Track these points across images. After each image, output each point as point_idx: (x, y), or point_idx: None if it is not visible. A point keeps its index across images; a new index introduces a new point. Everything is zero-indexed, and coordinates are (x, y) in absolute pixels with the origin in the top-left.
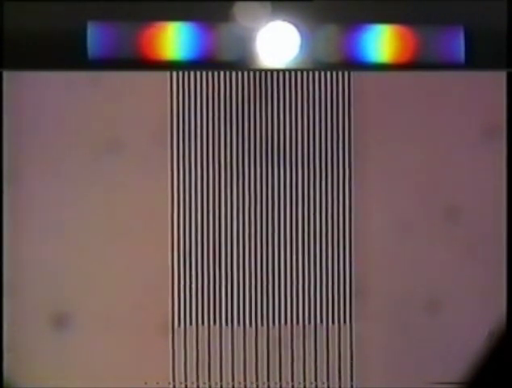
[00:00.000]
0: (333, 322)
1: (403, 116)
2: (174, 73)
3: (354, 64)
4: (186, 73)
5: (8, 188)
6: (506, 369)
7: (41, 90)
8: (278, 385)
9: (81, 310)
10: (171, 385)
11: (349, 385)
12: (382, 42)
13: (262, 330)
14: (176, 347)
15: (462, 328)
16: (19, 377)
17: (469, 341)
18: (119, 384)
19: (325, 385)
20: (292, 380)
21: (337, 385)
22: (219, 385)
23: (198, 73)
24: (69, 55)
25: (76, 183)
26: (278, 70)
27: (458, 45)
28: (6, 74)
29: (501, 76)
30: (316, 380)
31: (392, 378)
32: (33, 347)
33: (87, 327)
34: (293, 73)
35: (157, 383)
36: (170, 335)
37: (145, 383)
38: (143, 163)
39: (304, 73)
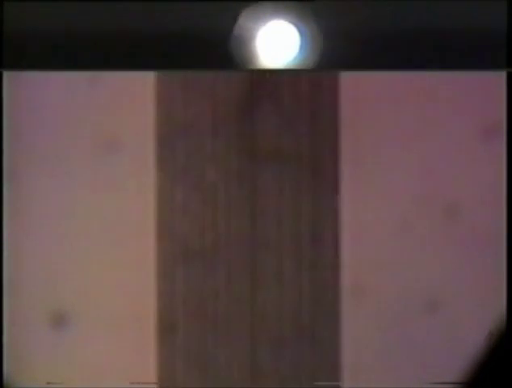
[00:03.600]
0: (331, 321)
1: (402, 116)
2: (174, 74)
3: (354, 64)
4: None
5: (8, 188)
6: (506, 368)
7: (41, 90)
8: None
9: (81, 310)
10: (172, 385)
11: (347, 386)
12: (381, 42)
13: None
14: (176, 347)
15: (461, 328)
16: (19, 377)
17: (469, 341)
18: (120, 384)
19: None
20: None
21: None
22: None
23: (197, 74)
24: (69, 55)
25: (76, 183)
26: (277, 70)
27: (458, 45)
28: (6, 74)
29: (501, 76)
30: (313, 381)
31: (392, 378)
32: (33, 347)
33: (87, 327)
34: (293, 74)
35: (158, 382)
36: (170, 336)
37: (147, 383)
38: (143, 163)
39: (303, 74)
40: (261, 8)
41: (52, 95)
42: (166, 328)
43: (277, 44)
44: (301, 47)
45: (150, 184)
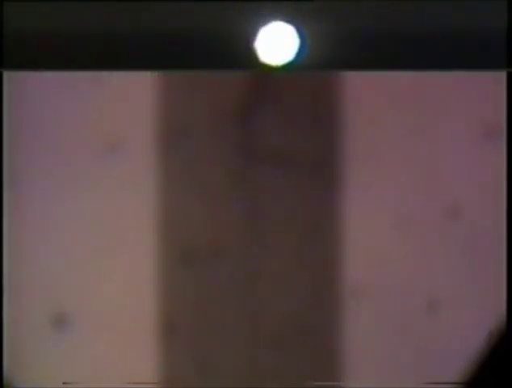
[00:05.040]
0: (331, 321)
1: (402, 116)
2: (174, 74)
3: (354, 64)
4: (185, 74)
5: (8, 188)
6: (506, 369)
7: (41, 90)
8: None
9: (81, 310)
10: (172, 385)
11: (347, 386)
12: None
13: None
14: (176, 347)
15: (461, 328)
16: (19, 377)
17: (469, 341)
18: (120, 384)
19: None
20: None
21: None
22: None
23: (197, 74)
24: (69, 55)
25: (76, 184)
26: (278, 70)
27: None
28: (6, 74)
29: (501, 76)
30: (313, 381)
31: (392, 378)
32: (33, 347)
33: (87, 327)
34: (293, 74)
35: (158, 383)
36: (171, 336)
37: (147, 383)
38: (144, 163)
39: (303, 74)
40: (261, 8)
41: (52, 95)
42: (166, 328)
43: (277, 44)
44: (301, 47)
45: (150, 184)
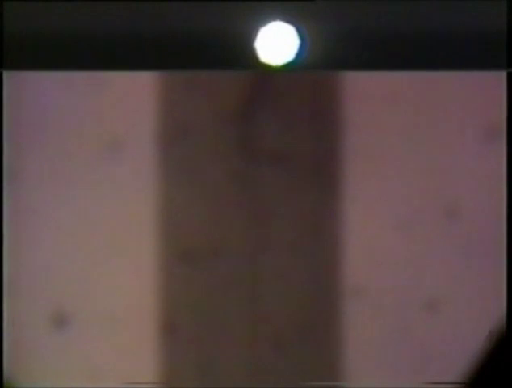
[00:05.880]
0: (331, 321)
1: (402, 116)
2: (174, 74)
3: (354, 64)
4: (185, 74)
5: (8, 188)
6: (506, 368)
7: (41, 90)
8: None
9: (81, 310)
10: (172, 385)
11: (347, 386)
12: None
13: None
14: (176, 347)
15: (461, 328)
16: (19, 377)
17: (469, 341)
18: (120, 384)
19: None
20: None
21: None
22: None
23: (198, 74)
24: (69, 55)
25: (76, 184)
26: (278, 71)
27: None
28: (6, 74)
29: (501, 76)
30: (313, 381)
31: (391, 378)
32: (33, 347)
33: (87, 327)
34: (293, 74)
35: (158, 383)
36: (171, 336)
37: (147, 383)
38: (144, 163)
39: (303, 74)
40: (261, 8)
41: (52, 95)
42: (166, 328)
43: (277, 44)
44: (301, 47)
45: (150, 184)
